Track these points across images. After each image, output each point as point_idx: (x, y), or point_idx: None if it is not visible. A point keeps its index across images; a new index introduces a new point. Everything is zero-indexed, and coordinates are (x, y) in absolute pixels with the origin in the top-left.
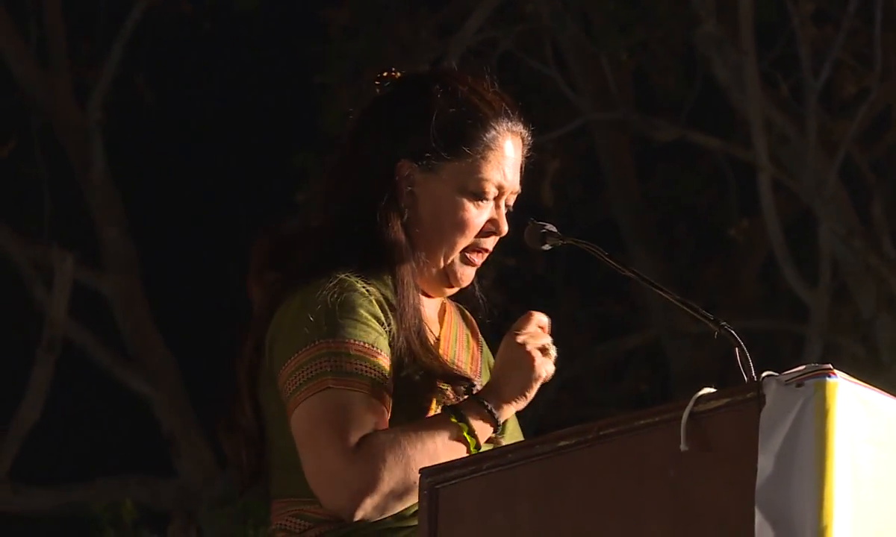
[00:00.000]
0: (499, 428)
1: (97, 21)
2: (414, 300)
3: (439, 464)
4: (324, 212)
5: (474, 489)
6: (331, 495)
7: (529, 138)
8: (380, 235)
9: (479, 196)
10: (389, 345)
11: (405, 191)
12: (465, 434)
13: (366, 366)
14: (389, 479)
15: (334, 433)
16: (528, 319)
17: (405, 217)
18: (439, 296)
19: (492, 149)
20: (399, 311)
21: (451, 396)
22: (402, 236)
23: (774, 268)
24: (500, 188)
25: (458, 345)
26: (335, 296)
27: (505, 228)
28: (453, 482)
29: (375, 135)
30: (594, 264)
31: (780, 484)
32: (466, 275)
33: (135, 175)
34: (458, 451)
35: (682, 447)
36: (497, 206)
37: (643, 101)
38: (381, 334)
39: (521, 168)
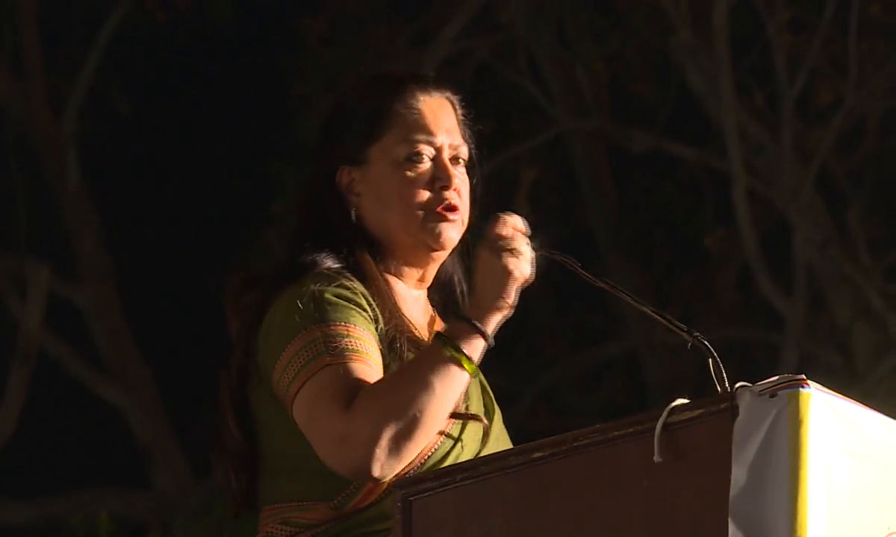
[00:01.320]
0: (489, 339)
1: (72, 31)
2: (392, 299)
3: (413, 477)
4: (293, 237)
5: (448, 501)
6: (344, 460)
7: (458, 99)
8: (342, 245)
9: (411, 159)
10: (377, 333)
11: (351, 196)
12: (462, 362)
13: (358, 343)
14: (392, 422)
15: (333, 401)
16: (497, 223)
17: (357, 220)
18: (428, 270)
19: (407, 114)
20: (378, 300)
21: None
22: (362, 244)
23: (750, 277)
24: (432, 144)
25: None
26: (323, 286)
27: (454, 178)
28: (427, 494)
29: (316, 162)
30: (570, 274)
31: (753, 494)
32: (444, 231)
33: (110, 185)
34: (455, 380)
35: (656, 458)
36: (438, 163)
37: (619, 111)
38: (368, 320)
39: (461, 127)
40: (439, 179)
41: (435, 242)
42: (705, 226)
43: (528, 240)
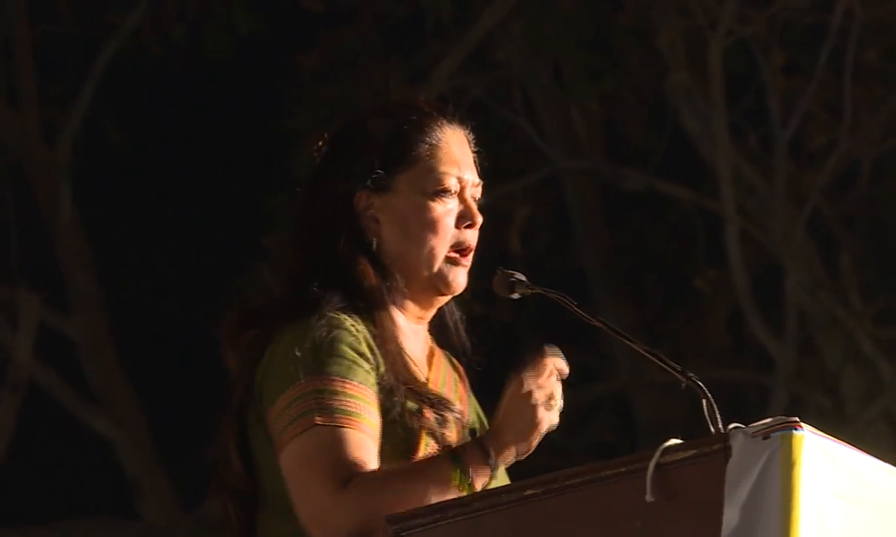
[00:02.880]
0: (495, 473)
1: (67, 61)
2: (392, 331)
3: (404, 512)
4: (292, 263)
5: (438, 535)
6: (320, 531)
7: (472, 136)
8: (351, 275)
9: (440, 193)
10: (377, 383)
11: (369, 222)
12: (458, 479)
13: (353, 403)
14: (377, 517)
15: (323, 472)
16: (540, 363)
17: (374, 246)
18: (430, 312)
19: (439, 147)
20: (380, 342)
21: (436, 427)
22: (371, 272)
23: (741, 319)
24: (460, 181)
25: (446, 387)
26: (324, 333)
27: (479, 217)
28: (418, 529)
29: (327, 180)
30: (561, 312)
31: (745, 536)
32: (458, 278)
33: (103, 217)
34: (449, 492)
35: (649, 498)
36: (463, 201)
37: (613, 151)
38: (368, 372)
39: (476, 164)
40: (466, 218)
41: (446, 287)
42: (697, 267)
43: (560, 388)
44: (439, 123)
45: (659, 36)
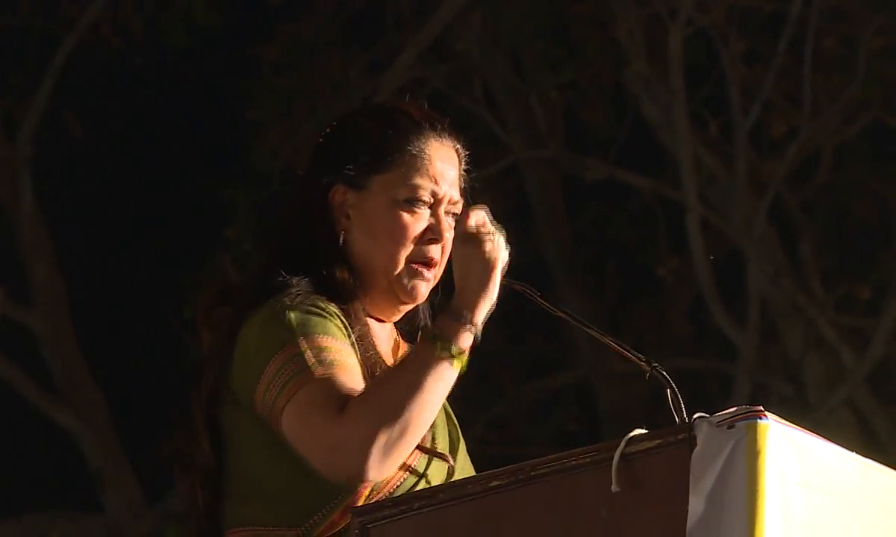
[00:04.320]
0: (476, 330)
1: (27, 54)
2: (363, 317)
3: (370, 504)
4: (267, 247)
5: (405, 529)
6: (337, 467)
7: (464, 153)
8: (322, 264)
9: (411, 203)
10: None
11: (341, 216)
12: (440, 348)
13: (342, 356)
14: (384, 425)
15: (323, 411)
16: (467, 215)
17: (340, 241)
18: (393, 317)
19: (418, 158)
20: (350, 323)
21: None
22: (339, 264)
23: (703, 307)
24: (434, 195)
25: None
26: (298, 300)
27: (446, 236)
28: (384, 521)
29: (310, 170)
30: (523, 302)
31: (710, 525)
32: (417, 289)
33: (64, 209)
34: (445, 377)
35: (614, 488)
36: (435, 215)
37: (573, 140)
38: (343, 332)
39: (460, 181)
40: (431, 231)
41: (406, 297)
42: (658, 256)
43: (497, 225)
44: (425, 135)
45: (618, 25)
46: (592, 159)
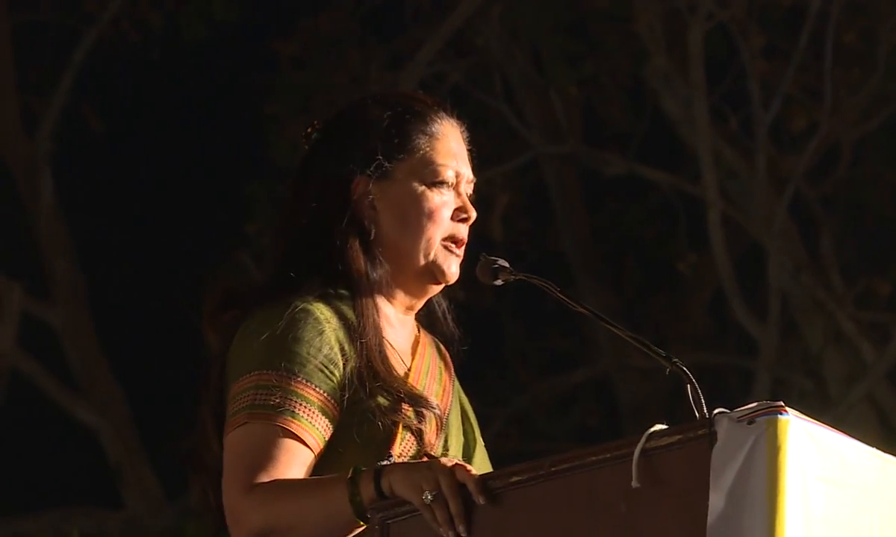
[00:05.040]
0: (384, 492)
1: (46, 50)
2: (374, 320)
3: (391, 500)
4: (280, 245)
5: (425, 524)
6: (231, 528)
7: (466, 134)
8: (340, 260)
9: (438, 184)
10: (345, 378)
11: (366, 208)
12: (351, 493)
13: (295, 403)
14: (274, 526)
15: (241, 470)
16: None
17: (371, 235)
18: (420, 302)
19: (438, 139)
20: (360, 331)
21: (414, 421)
22: (361, 258)
23: (723, 302)
24: (457, 174)
25: (429, 377)
26: (287, 324)
27: (473, 212)
28: (405, 517)
29: (323, 163)
30: (542, 297)
31: (731, 521)
32: (452, 267)
33: (83, 205)
34: (343, 519)
35: (634, 483)
36: (458, 194)
37: (592, 135)
38: (320, 368)
39: (471, 160)
40: (462, 211)
41: (442, 276)
42: (678, 251)
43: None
44: (439, 116)
45: (638, 20)
46: (612, 154)
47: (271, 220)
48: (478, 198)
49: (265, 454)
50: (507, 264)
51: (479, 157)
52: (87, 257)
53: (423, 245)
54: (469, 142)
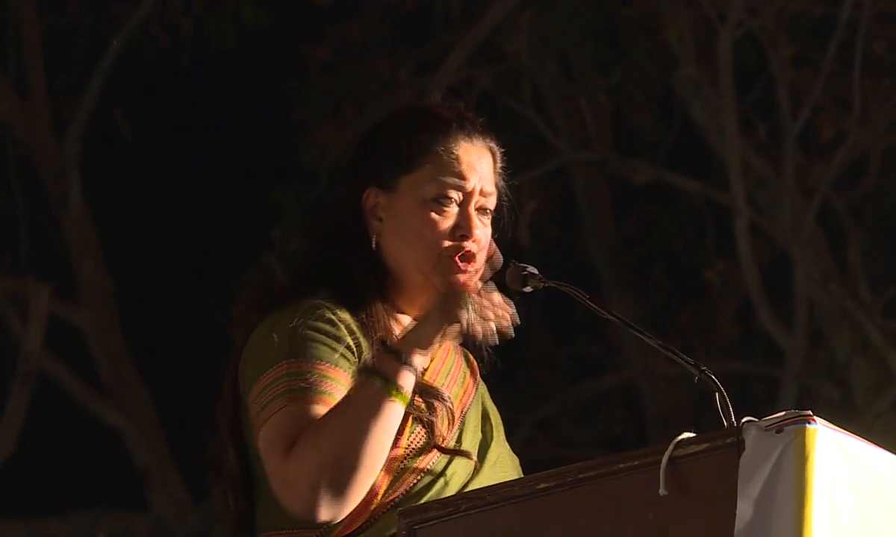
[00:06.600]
0: (413, 367)
1: (76, 53)
2: (385, 321)
3: (418, 506)
4: (301, 252)
5: (453, 530)
6: (290, 504)
7: (499, 150)
8: (350, 266)
9: (439, 201)
10: (359, 364)
11: (373, 220)
12: (392, 393)
13: (323, 382)
14: (327, 467)
15: (279, 444)
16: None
17: (373, 244)
18: None
19: (445, 155)
20: (370, 327)
21: (424, 413)
22: (368, 266)
23: (750, 310)
24: (462, 190)
25: (449, 377)
26: (301, 318)
27: (475, 232)
28: (432, 523)
29: (343, 175)
30: (569, 304)
31: (758, 530)
32: (455, 282)
33: (112, 208)
34: (386, 412)
35: (662, 491)
36: (464, 212)
37: (621, 143)
38: (343, 355)
39: (496, 177)
40: (461, 227)
41: (444, 288)
42: (706, 259)
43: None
44: (453, 134)
45: (667, 28)
46: (640, 162)
47: (298, 225)
48: (505, 204)
49: (300, 425)
50: (536, 271)
51: (508, 164)
52: (115, 260)
53: (416, 259)
54: (503, 156)
